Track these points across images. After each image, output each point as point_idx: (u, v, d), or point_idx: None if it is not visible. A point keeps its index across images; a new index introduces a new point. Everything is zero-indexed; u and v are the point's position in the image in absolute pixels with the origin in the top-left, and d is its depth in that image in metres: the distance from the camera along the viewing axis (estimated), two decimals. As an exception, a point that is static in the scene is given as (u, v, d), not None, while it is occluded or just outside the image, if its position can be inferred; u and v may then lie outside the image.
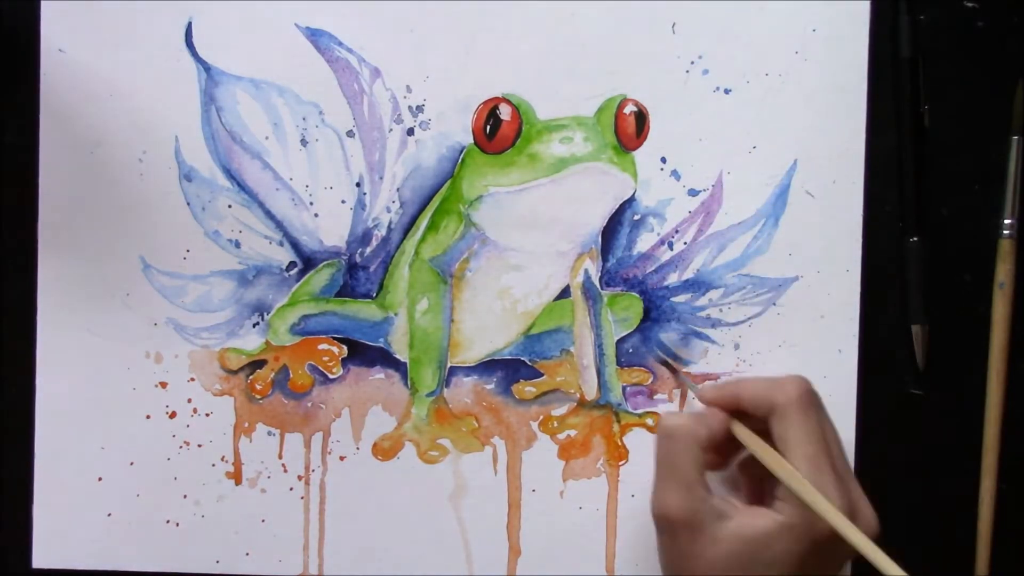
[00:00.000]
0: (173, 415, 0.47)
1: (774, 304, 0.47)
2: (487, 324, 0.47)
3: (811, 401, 0.41)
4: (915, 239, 0.47)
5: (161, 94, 0.46)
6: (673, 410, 0.46)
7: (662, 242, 0.47)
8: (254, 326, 0.47)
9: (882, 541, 0.38)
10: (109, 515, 0.47)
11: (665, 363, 0.47)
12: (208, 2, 0.46)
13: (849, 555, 0.41)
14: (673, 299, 0.47)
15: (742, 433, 0.42)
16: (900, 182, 0.47)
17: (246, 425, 0.47)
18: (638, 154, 0.47)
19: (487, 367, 0.47)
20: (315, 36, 0.46)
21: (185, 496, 0.47)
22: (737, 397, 0.42)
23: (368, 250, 0.47)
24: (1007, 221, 0.46)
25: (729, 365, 0.47)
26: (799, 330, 0.47)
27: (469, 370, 0.47)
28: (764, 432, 0.41)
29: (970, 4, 0.47)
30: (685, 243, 0.47)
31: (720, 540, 0.40)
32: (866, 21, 0.46)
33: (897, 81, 0.47)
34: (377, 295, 0.47)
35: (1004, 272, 0.46)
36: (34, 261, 0.46)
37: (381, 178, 0.46)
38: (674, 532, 0.40)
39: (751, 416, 0.42)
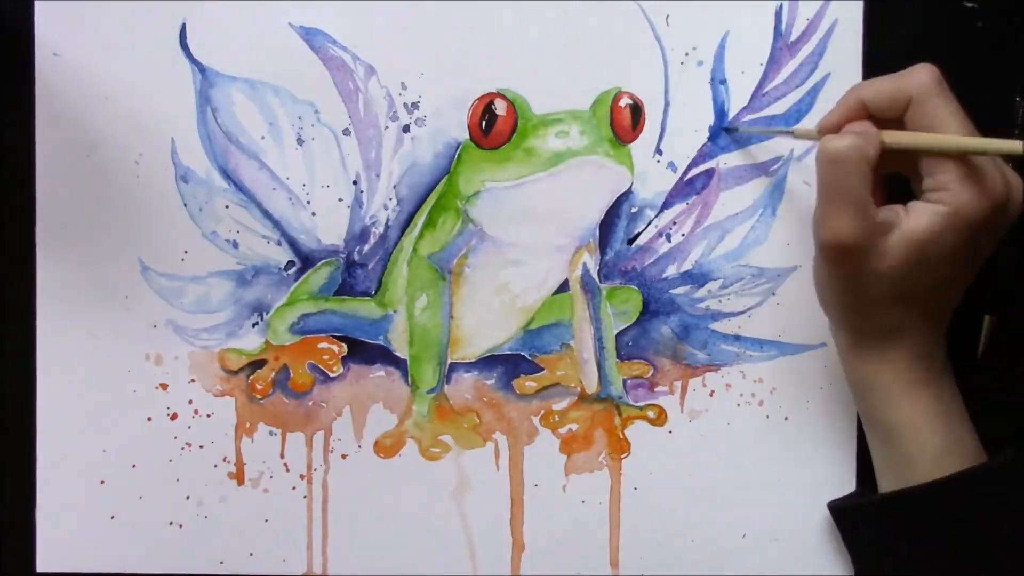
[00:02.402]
0: (174, 417, 0.47)
1: (773, 294, 0.47)
2: (486, 320, 0.47)
3: (945, 83, 0.40)
4: None
5: (156, 96, 0.46)
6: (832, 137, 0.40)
7: (660, 234, 0.47)
8: (253, 326, 0.47)
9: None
10: (112, 518, 0.47)
11: (774, 132, 0.45)
12: (201, 3, 0.46)
13: (1005, 228, 0.41)
14: (672, 291, 0.47)
15: (894, 136, 0.40)
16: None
17: (247, 425, 0.47)
18: (634, 147, 0.47)
19: (487, 363, 0.47)
20: (309, 35, 0.46)
21: (188, 497, 0.47)
22: (861, 103, 0.41)
23: (366, 248, 0.47)
24: None
25: (730, 356, 0.47)
26: (799, 319, 0.47)
27: (469, 366, 0.47)
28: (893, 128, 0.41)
29: (970, 4, 0.47)
30: (683, 235, 0.47)
31: (890, 252, 0.39)
32: (860, 9, 0.46)
33: (977, 70, 0.47)
34: (376, 293, 0.47)
35: None
36: (32, 265, 0.46)
37: (378, 176, 0.46)
38: (846, 256, 0.40)
39: (879, 119, 0.41)
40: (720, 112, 0.47)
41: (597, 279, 0.47)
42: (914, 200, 0.40)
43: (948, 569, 0.41)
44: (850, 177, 0.39)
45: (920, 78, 0.40)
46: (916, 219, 0.39)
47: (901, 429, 0.42)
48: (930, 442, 0.41)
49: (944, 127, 0.39)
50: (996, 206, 0.39)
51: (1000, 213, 0.39)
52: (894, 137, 0.40)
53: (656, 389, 0.48)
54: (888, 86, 0.41)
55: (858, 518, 0.45)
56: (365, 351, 0.47)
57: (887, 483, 0.43)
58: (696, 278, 0.47)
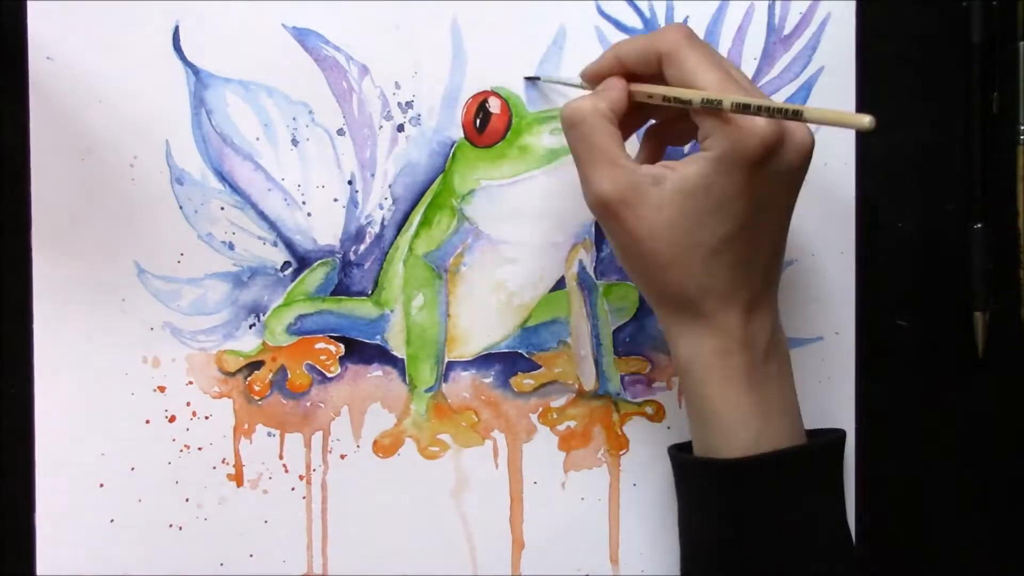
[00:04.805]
0: (172, 419, 0.47)
1: (770, 288, 0.47)
2: (483, 318, 0.47)
3: (697, 39, 0.40)
4: (979, 225, 0.47)
5: (151, 98, 0.46)
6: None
7: (655, 230, 0.47)
8: (250, 327, 0.47)
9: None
10: (111, 521, 0.47)
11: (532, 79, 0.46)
12: (194, 3, 0.46)
13: (791, 174, 0.39)
14: (668, 287, 0.47)
15: (643, 88, 0.40)
16: (967, 169, 0.47)
17: (246, 427, 0.47)
18: (628, 143, 0.47)
19: (485, 361, 0.47)
20: (302, 36, 0.46)
21: (187, 499, 0.47)
22: (619, 61, 0.41)
23: (362, 247, 0.47)
24: (1022, 127, 0.47)
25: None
26: (795, 313, 0.47)
27: (467, 364, 0.47)
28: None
29: (965, 3, 0.47)
30: (679, 230, 0.47)
31: (664, 203, 0.38)
32: (853, 3, 0.46)
33: (968, 66, 0.47)
34: (372, 292, 0.47)
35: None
36: (29, 269, 0.46)
37: (373, 175, 0.46)
38: (617, 213, 0.39)
39: (640, 76, 0.41)
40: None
41: (593, 276, 0.47)
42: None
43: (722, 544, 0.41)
44: (592, 135, 0.39)
45: (669, 36, 0.40)
46: (687, 167, 0.38)
47: (711, 418, 0.40)
48: (740, 437, 0.40)
49: (697, 77, 0.39)
50: (764, 147, 0.37)
51: (772, 154, 0.38)
52: (644, 89, 0.40)
53: (654, 385, 0.48)
54: (641, 43, 0.41)
55: (679, 469, 0.43)
56: (362, 351, 0.47)
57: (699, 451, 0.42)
58: (692, 273, 0.47)
